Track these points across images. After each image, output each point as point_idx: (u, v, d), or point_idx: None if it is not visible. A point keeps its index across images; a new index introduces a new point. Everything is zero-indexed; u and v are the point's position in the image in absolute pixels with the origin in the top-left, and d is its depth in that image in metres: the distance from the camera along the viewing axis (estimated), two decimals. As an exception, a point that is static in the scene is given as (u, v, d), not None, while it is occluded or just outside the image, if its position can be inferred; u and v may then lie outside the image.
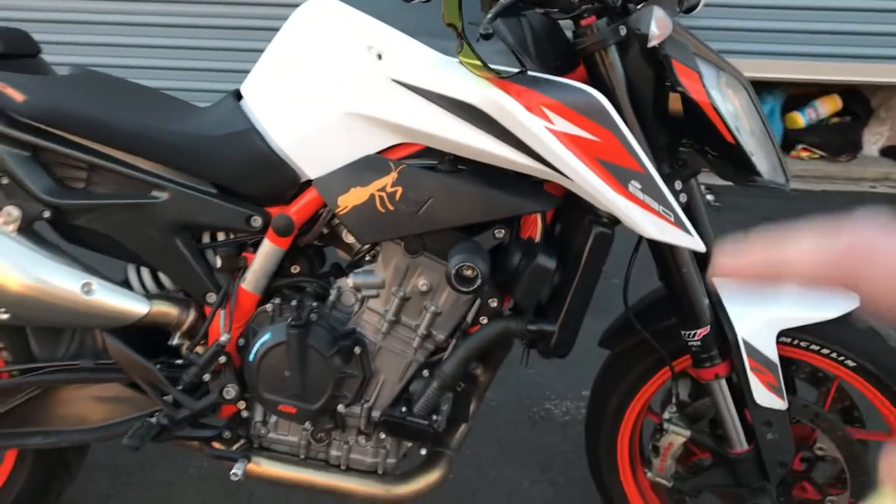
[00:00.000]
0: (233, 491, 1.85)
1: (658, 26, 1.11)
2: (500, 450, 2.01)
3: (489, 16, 1.03)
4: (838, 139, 3.91)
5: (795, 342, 1.34)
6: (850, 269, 0.26)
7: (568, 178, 1.17)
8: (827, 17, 3.77)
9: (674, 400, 1.46)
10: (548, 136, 1.14)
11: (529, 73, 1.12)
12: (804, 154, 3.94)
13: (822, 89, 3.94)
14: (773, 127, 3.85)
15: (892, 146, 4.00)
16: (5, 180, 1.34)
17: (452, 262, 1.21)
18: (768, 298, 1.34)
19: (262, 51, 1.36)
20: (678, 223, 1.20)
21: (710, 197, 3.57)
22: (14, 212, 1.34)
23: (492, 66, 1.10)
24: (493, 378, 1.51)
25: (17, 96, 1.30)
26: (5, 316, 1.34)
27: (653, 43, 1.13)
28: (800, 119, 3.93)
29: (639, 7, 1.16)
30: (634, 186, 1.17)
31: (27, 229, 1.36)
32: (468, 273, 1.21)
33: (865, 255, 0.26)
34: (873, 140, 3.99)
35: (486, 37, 1.02)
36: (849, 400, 1.44)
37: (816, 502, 1.45)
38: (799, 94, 3.95)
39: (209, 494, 1.85)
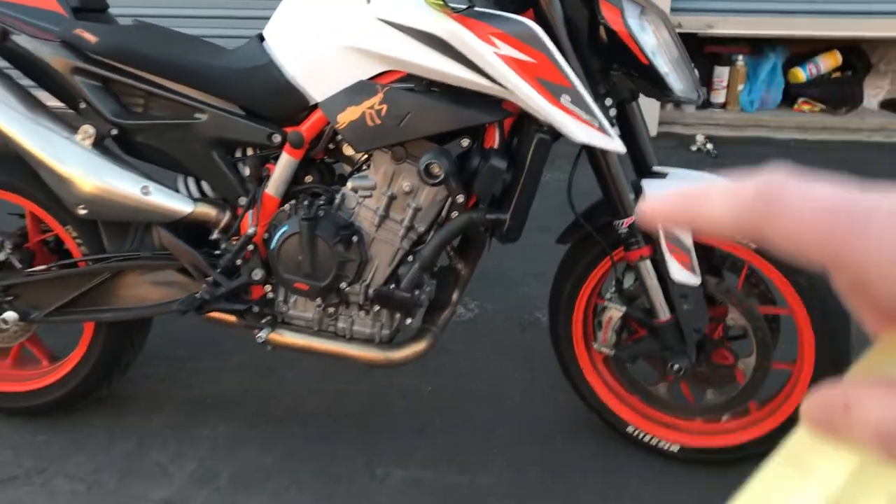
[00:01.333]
0: (266, 376, 2.24)
1: (575, -30, 1.43)
2: (492, 347, 2.36)
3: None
4: (838, 93, 4.13)
5: (708, 230, 1.65)
6: (762, 210, 0.25)
7: (513, 93, 1.50)
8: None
9: (614, 283, 1.79)
10: (495, 59, 1.47)
11: (478, 9, 1.45)
12: (805, 107, 4.16)
13: (824, 45, 4.15)
14: (775, 82, 4.09)
15: (892, 99, 4.20)
16: (83, 104, 1.72)
17: (423, 160, 1.56)
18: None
19: None
20: (602, 129, 1.52)
21: (709, 146, 3.83)
22: (90, 129, 1.72)
23: (450, 4, 1.43)
24: (473, 272, 1.86)
25: (91, 38, 1.67)
26: (84, 211, 1.73)
27: (573, -18, 1.45)
28: (801, 74, 4.15)
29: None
30: (565, 99, 1.50)
31: (99, 144, 1.75)
32: (435, 169, 1.55)
33: (777, 194, 0.25)
34: (873, 93, 4.20)
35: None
36: (762, 283, 1.75)
37: (731, 365, 1.76)
38: (801, 51, 4.17)
39: (247, 377, 2.24)
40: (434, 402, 2.14)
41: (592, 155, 1.64)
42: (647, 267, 1.68)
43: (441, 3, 1.43)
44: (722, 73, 4.12)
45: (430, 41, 1.50)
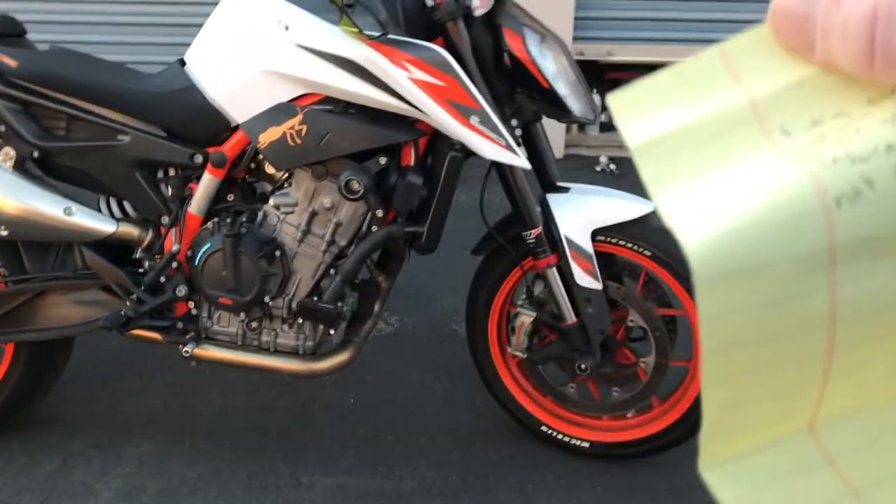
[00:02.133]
0: (190, 394, 2.26)
1: (480, 2, 1.56)
2: (413, 359, 2.45)
3: (349, -6, 1.47)
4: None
5: (607, 239, 1.80)
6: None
7: (426, 114, 1.61)
8: (723, 7, 4.25)
9: (525, 291, 1.91)
10: (408, 83, 1.58)
11: (391, 36, 1.56)
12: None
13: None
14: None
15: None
16: (3, 128, 1.74)
17: (342, 177, 1.65)
18: (585, 205, 1.80)
19: (200, 26, 1.78)
20: (509, 147, 1.65)
21: (612, 166, 4.05)
22: (11, 152, 1.74)
23: (365, 31, 1.54)
24: (393, 285, 1.95)
25: (11, 62, 1.71)
26: (4, 233, 1.75)
27: (477, 13, 1.58)
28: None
29: (473, -12, 1.61)
30: (475, 120, 1.62)
31: (21, 166, 1.77)
32: (354, 185, 1.65)
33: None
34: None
35: (350, 6, 1.46)
36: (659, 287, 1.91)
37: (633, 364, 1.91)
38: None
39: (171, 396, 2.26)
40: (357, 413, 2.21)
41: (501, 172, 1.77)
42: (553, 274, 1.81)
43: (357, 30, 1.54)
44: (623, 98, 4.35)
45: (346, 66, 1.60)
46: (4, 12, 1.86)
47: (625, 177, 3.99)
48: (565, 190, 1.86)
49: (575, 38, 4.02)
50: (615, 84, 4.34)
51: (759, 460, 0.27)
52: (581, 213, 1.78)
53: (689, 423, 1.90)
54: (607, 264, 1.85)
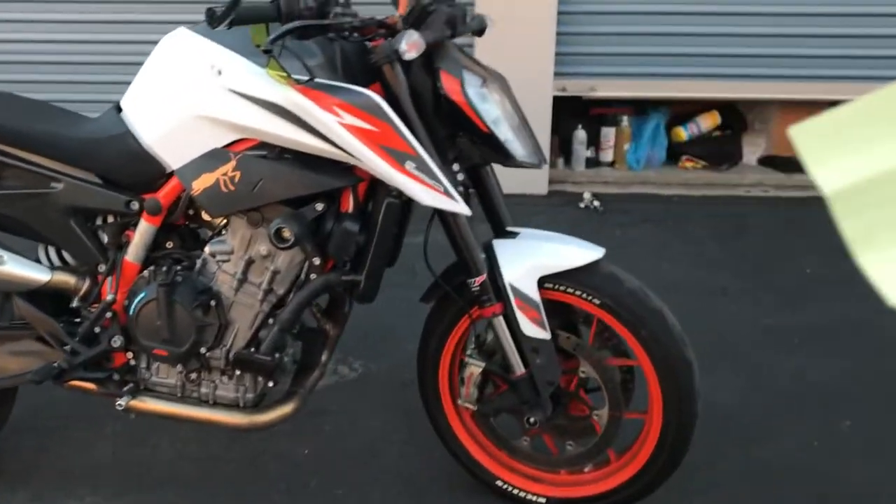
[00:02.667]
0: (140, 444, 2.20)
1: (408, 46, 1.51)
2: (373, 406, 2.38)
3: (269, 38, 1.42)
4: (718, 150, 4.36)
5: (556, 286, 1.73)
6: None
7: (359, 160, 1.56)
8: (705, 42, 4.21)
9: (473, 340, 1.84)
10: (338, 128, 1.53)
11: (320, 80, 1.52)
12: (688, 164, 4.37)
13: (703, 106, 4.40)
14: (659, 141, 4.31)
15: (770, 156, 4.45)
16: (-69, 177, 1.71)
17: (272, 225, 1.60)
18: (532, 251, 1.73)
19: (140, 64, 1.74)
20: (447, 193, 1.59)
21: (596, 203, 3.99)
22: (-61, 201, 1.70)
23: (293, 76, 1.49)
24: (342, 333, 1.89)
25: (-60, 110, 1.67)
26: (-66, 282, 1.70)
27: (407, 57, 1.53)
28: (683, 133, 4.38)
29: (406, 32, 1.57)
30: (410, 165, 1.56)
31: (-50, 215, 1.73)
32: (285, 233, 1.59)
33: None
34: (752, 150, 4.45)
35: (267, 52, 1.41)
36: (613, 336, 1.83)
37: (586, 416, 1.83)
38: (682, 111, 4.41)
39: (120, 445, 2.20)
40: (310, 464, 2.14)
41: (443, 218, 1.71)
42: (500, 323, 1.74)
43: (284, 74, 1.49)
44: (608, 134, 4.31)
45: (277, 111, 1.56)
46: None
47: (609, 213, 3.92)
48: (514, 235, 1.80)
49: (557, 75, 3.98)
50: (601, 120, 4.31)
51: None
52: (527, 259, 1.72)
53: (648, 478, 1.81)
54: (562, 312, 1.78)
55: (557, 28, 3.99)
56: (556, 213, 3.93)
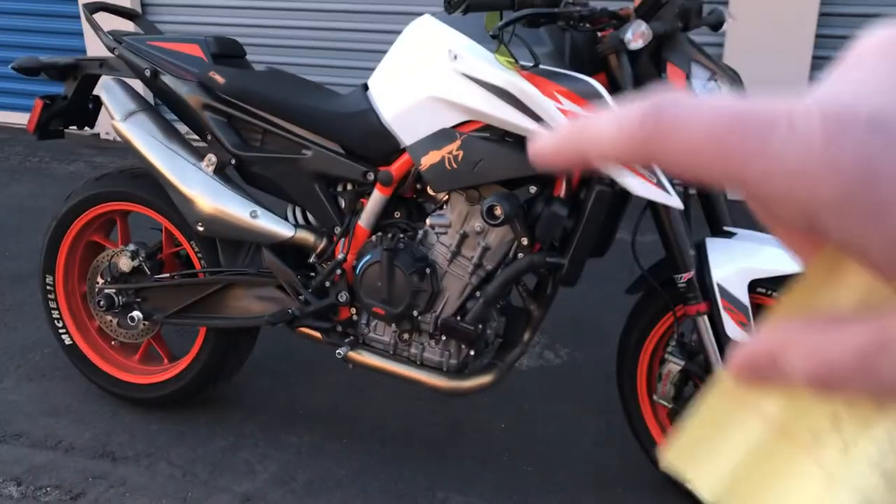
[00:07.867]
0: (356, 395, 2.41)
1: (634, 36, 1.53)
2: (574, 395, 2.41)
3: (498, 24, 1.50)
4: None
5: (769, 292, 1.66)
6: (650, 133, 0.22)
7: (575, 145, 1.60)
8: None
9: (675, 337, 1.82)
10: (556, 113, 1.59)
11: (544, 67, 1.58)
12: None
13: None
14: None
15: None
16: (209, 136, 1.99)
17: (486, 202, 1.69)
18: (746, 253, 1.68)
19: (385, 52, 1.92)
20: (660, 185, 1.59)
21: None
22: (213, 158, 1.99)
23: (520, 62, 1.57)
24: (545, 314, 1.95)
25: (220, 80, 1.95)
26: (201, 228, 1.99)
27: (632, 47, 1.55)
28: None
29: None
30: (625, 154, 1.58)
31: (221, 171, 2.01)
32: (496, 211, 1.68)
33: (665, 115, 0.22)
34: None
35: (496, 37, 1.50)
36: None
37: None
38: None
39: (339, 395, 2.42)
40: (505, 439, 2.22)
41: (655, 211, 1.70)
42: (704, 322, 1.71)
43: (512, 60, 1.58)
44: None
45: (502, 94, 1.65)
46: (229, 37, 2.13)
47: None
48: (730, 235, 1.75)
49: (813, 78, 3.73)
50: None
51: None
52: (740, 260, 1.67)
53: None
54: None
55: (817, 31, 3.74)
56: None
